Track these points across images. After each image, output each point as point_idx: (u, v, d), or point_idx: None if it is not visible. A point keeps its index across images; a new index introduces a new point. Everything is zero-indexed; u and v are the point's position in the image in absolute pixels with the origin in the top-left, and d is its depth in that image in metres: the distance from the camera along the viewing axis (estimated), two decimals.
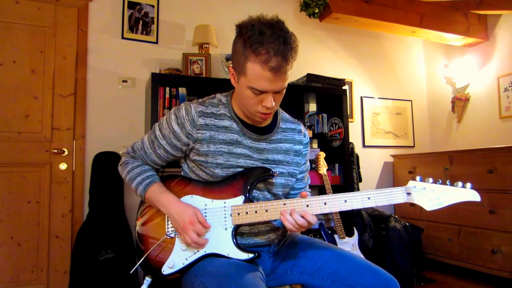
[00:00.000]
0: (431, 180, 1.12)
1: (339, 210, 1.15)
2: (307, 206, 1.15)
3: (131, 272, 1.35)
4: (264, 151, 1.26)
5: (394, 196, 1.12)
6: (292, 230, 1.15)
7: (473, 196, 1.09)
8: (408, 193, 1.12)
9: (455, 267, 3.14)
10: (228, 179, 1.22)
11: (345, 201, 1.14)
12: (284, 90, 1.17)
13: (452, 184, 1.11)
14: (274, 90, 1.12)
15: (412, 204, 1.13)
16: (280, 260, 1.30)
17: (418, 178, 1.13)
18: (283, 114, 1.38)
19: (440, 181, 1.12)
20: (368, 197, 1.13)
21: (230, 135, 1.22)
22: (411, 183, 1.13)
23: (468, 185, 1.10)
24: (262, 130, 1.27)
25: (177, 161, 1.36)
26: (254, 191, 1.24)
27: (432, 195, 1.10)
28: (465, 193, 1.09)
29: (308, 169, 1.44)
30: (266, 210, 1.16)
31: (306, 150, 1.38)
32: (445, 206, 1.10)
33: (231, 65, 1.19)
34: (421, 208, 1.11)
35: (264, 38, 1.06)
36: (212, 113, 1.23)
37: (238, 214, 1.18)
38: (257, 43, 1.06)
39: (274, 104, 1.15)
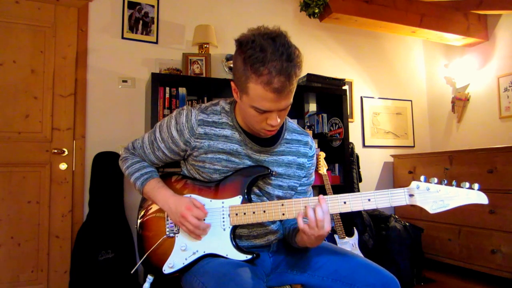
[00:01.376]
0: (435, 180, 1.05)
1: (339, 212, 1.12)
2: (306, 207, 1.12)
3: (132, 272, 1.35)
4: (264, 163, 1.23)
5: (396, 197, 1.07)
6: (311, 232, 1.07)
7: (480, 198, 1.02)
8: (411, 195, 1.06)
9: (455, 267, 3.14)
10: (227, 178, 1.21)
11: (344, 202, 1.10)
12: (290, 106, 1.11)
13: (458, 185, 1.04)
14: (278, 109, 1.07)
15: (414, 205, 1.08)
16: (280, 259, 1.30)
17: (422, 178, 1.06)
18: (290, 124, 1.31)
19: (445, 181, 1.05)
20: (368, 198, 1.09)
21: (230, 145, 1.20)
22: (414, 183, 1.06)
23: (476, 185, 1.02)
24: (265, 141, 1.23)
25: (177, 162, 1.36)
26: (252, 196, 1.23)
27: (436, 197, 1.04)
28: (472, 195, 1.02)
29: (311, 183, 1.36)
30: (264, 211, 1.15)
31: (310, 163, 1.31)
32: (450, 208, 1.03)
33: (233, 81, 1.14)
34: (422, 207, 1.05)
35: (266, 57, 0.99)
36: (214, 122, 1.20)
37: (236, 214, 1.17)
38: (258, 62, 0.99)
39: (279, 120, 1.10)
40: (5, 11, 2.57)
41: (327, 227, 1.07)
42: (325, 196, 1.12)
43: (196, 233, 1.16)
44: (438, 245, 3.28)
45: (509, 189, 2.74)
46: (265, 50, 0.99)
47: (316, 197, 1.12)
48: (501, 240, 2.78)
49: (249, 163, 1.21)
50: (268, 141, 1.24)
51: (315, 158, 1.35)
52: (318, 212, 1.07)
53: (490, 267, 2.85)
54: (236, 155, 1.20)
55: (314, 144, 1.35)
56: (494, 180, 2.84)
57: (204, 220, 1.17)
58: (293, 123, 1.34)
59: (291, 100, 1.09)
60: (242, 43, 1.05)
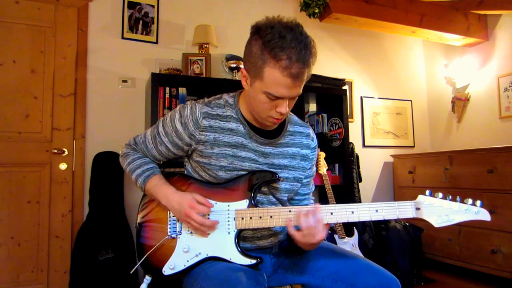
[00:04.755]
0: (440, 195, 1.09)
1: (346, 221, 1.12)
2: (298, 214, 1.12)
3: (131, 272, 1.34)
4: (269, 155, 1.23)
5: (403, 210, 1.10)
6: (303, 240, 1.10)
7: (483, 215, 1.07)
8: (417, 208, 1.10)
9: (455, 267, 3.14)
10: (233, 181, 1.20)
11: (352, 212, 1.12)
12: (298, 96, 1.14)
13: (462, 201, 1.08)
14: (291, 96, 1.09)
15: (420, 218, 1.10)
16: (281, 260, 1.30)
17: (427, 192, 1.10)
18: (292, 117, 1.34)
19: (450, 197, 1.09)
20: (376, 209, 1.11)
21: (235, 138, 1.20)
22: (420, 197, 1.10)
23: (478, 202, 1.07)
24: (269, 133, 1.24)
25: (180, 161, 1.35)
26: (259, 195, 1.22)
27: (441, 212, 1.08)
28: (475, 212, 1.08)
29: (314, 175, 1.39)
30: (271, 216, 1.14)
31: (313, 155, 1.34)
32: (455, 223, 1.08)
33: (243, 67, 1.15)
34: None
35: (285, 43, 1.01)
36: (218, 115, 1.20)
37: (242, 218, 1.16)
38: (277, 48, 1.01)
39: (288, 109, 1.12)
40: (5, 11, 2.57)
41: (319, 236, 1.09)
42: (334, 205, 1.13)
43: (202, 230, 1.14)
44: (438, 245, 3.28)
45: (509, 189, 2.74)
46: (285, 37, 1.02)
47: (325, 206, 1.13)
48: (501, 240, 2.78)
49: (255, 157, 1.20)
50: (272, 134, 1.25)
51: (316, 149, 1.37)
52: (310, 219, 1.08)
53: (490, 267, 2.85)
54: (242, 148, 1.20)
55: (315, 135, 1.38)
56: (494, 180, 2.84)
57: (209, 215, 1.16)
58: (293, 115, 1.36)
59: (301, 90, 1.11)
60: (261, 29, 1.07)
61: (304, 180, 1.33)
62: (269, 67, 1.04)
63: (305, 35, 1.05)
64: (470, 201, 1.08)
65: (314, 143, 1.35)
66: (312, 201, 1.41)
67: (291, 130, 1.30)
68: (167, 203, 1.19)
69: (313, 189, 1.42)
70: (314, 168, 1.39)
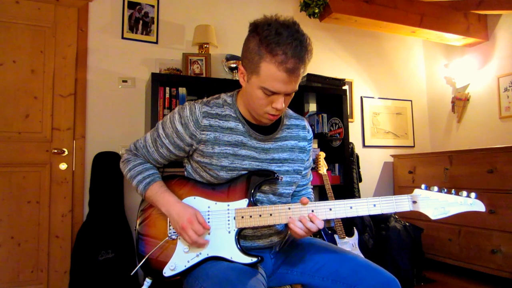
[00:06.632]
0: (436, 188, 1.12)
1: (345, 216, 1.14)
2: (312, 211, 1.14)
3: (131, 274, 1.34)
4: (269, 150, 1.25)
5: (400, 204, 1.13)
6: (301, 236, 1.14)
7: (478, 206, 1.10)
8: (414, 202, 1.12)
9: (455, 267, 3.14)
10: (232, 181, 1.21)
11: (351, 207, 1.14)
12: (294, 93, 1.15)
13: (457, 193, 1.11)
14: (286, 92, 1.11)
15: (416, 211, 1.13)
16: (281, 260, 1.30)
17: (423, 186, 1.13)
18: (286, 110, 1.36)
19: (445, 190, 1.12)
20: (373, 204, 1.13)
21: (235, 137, 1.21)
22: (416, 191, 1.13)
23: (473, 194, 1.10)
24: (267, 129, 1.26)
25: (180, 162, 1.35)
26: (258, 194, 1.23)
27: (437, 204, 1.11)
28: (470, 203, 1.10)
29: (311, 165, 1.43)
30: (271, 214, 1.15)
31: (310, 146, 1.37)
32: (451, 215, 1.11)
33: (241, 64, 1.17)
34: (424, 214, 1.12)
35: (281, 39, 1.04)
36: (217, 114, 1.21)
37: (242, 217, 1.16)
38: (273, 43, 1.04)
39: (284, 105, 1.14)
40: (5, 11, 2.57)
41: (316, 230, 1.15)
42: (332, 201, 1.15)
43: (192, 246, 1.16)
44: (438, 245, 3.28)
45: (509, 189, 2.74)
46: (281, 34, 1.05)
47: (323, 202, 1.15)
48: (501, 240, 2.78)
49: (255, 154, 1.22)
50: (270, 129, 1.27)
51: (312, 141, 1.40)
52: (311, 227, 1.12)
53: (490, 267, 2.85)
54: (242, 146, 1.21)
55: (310, 127, 1.40)
56: (494, 180, 2.84)
57: (209, 231, 1.17)
58: (288, 109, 1.38)
59: (297, 87, 1.13)
60: (258, 26, 1.10)
61: (303, 172, 1.35)
62: (265, 62, 1.06)
63: (301, 33, 1.08)
64: (464, 193, 1.11)
65: (310, 134, 1.38)
66: (310, 189, 1.45)
67: (287, 124, 1.32)
68: (167, 212, 1.19)
69: (311, 178, 1.46)
70: (311, 159, 1.42)
